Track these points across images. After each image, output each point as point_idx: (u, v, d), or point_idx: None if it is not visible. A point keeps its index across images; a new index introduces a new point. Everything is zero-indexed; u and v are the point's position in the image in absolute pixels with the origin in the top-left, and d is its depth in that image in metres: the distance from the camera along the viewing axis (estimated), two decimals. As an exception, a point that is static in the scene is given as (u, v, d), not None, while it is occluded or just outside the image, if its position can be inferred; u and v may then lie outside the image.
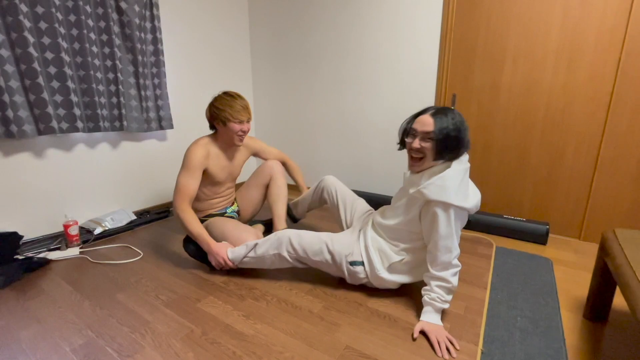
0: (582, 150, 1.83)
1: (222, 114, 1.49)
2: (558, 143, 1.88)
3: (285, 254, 1.33)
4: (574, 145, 1.84)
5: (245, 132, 1.56)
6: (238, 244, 1.48)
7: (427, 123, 1.10)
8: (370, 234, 1.30)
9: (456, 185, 1.05)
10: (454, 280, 1.09)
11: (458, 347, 1.02)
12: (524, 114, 1.94)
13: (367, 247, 1.26)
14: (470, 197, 1.08)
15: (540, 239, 1.83)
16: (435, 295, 1.10)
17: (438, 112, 1.10)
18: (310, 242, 1.32)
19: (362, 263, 1.26)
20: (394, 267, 1.23)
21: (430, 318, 1.10)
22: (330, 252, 1.28)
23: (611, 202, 1.80)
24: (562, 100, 1.82)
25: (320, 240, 1.31)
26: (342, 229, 1.59)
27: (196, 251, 1.51)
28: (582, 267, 1.59)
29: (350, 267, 1.27)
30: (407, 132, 1.19)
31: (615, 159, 1.75)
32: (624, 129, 1.70)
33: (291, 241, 1.33)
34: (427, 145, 1.10)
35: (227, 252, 1.41)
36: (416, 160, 1.15)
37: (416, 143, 1.12)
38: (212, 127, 1.62)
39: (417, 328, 1.08)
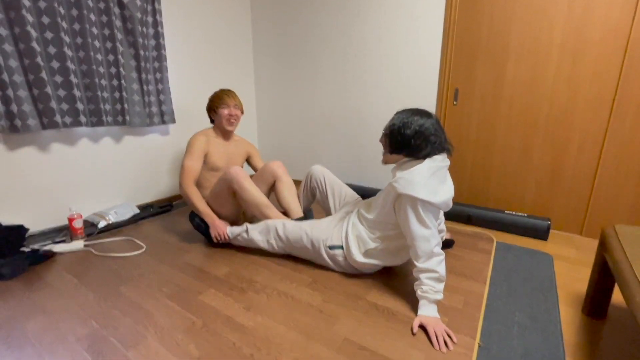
0: (585, 147, 1.81)
1: (213, 104, 1.79)
2: (561, 139, 1.86)
3: (273, 241, 1.52)
4: (577, 141, 1.83)
5: (233, 116, 1.79)
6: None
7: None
8: (352, 221, 1.39)
9: (423, 181, 1.10)
10: (441, 269, 1.12)
11: (456, 341, 1.03)
12: (527, 110, 1.92)
13: (347, 233, 1.36)
14: (440, 194, 1.13)
15: (542, 234, 1.83)
16: (426, 288, 1.12)
17: (402, 111, 1.22)
18: (292, 230, 1.48)
19: (341, 247, 1.37)
20: (370, 252, 1.32)
21: (426, 311, 1.11)
22: (309, 238, 1.42)
23: (614, 198, 1.78)
24: (566, 96, 1.80)
25: (300, 229, 1.45)
26: (330, 215, 1.66)
27: (200, 224, 1.71)
28: (582, 263, 1.59)
29: (330, 251, 1.38)
30: None
31: (619, 156, 1.73)
32: (627, 125, 1.68)
33: (277, 230, 1.51)
34: (383, 140, 1.27)
35: (227, 229, 1.63)
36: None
37: (381, 137, 1.28)
38: (211, 120, 1.86)
39: (416, 323, 1.09)
